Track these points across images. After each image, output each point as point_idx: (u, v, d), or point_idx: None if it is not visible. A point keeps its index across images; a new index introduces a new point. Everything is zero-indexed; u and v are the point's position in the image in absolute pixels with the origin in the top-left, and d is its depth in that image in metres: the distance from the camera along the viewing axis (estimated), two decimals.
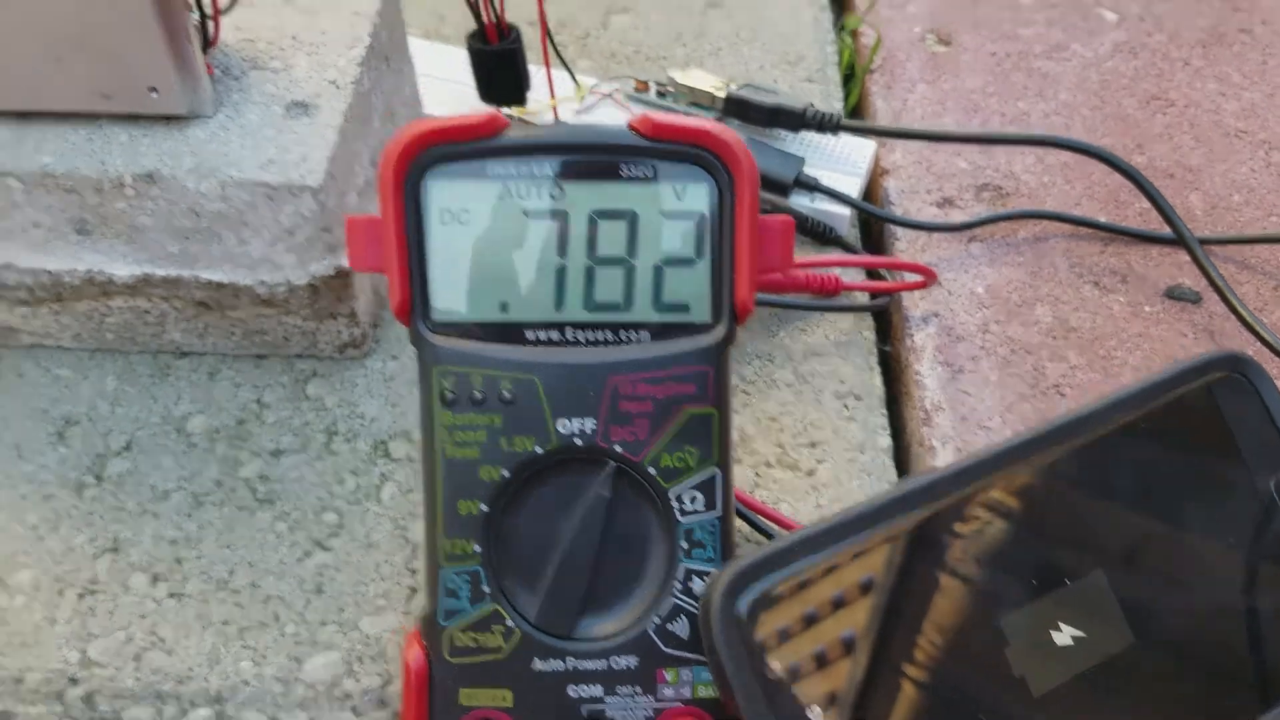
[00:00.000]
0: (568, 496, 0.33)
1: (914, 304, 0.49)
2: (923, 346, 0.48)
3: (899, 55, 0.61)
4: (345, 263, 0.43)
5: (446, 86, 0.55)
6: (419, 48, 0.55)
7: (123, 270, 0.43)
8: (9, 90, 0.41)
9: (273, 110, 0.42)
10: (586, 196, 0.33)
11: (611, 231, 0.33)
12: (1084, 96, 0.58)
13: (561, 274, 0.33)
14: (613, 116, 0.54)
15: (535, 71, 0.52)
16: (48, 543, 0.42)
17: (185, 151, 0.41)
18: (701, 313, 0.33)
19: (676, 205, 0.33)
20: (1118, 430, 0.33)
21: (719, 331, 0.33)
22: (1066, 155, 0.54)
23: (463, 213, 0.33)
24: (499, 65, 0.52)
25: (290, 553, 0.42)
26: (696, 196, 0.33)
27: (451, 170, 0.32)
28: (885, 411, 0.46)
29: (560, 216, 0.33)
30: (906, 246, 0.52)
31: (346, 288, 0.44)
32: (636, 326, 0.33)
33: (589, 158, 0.33)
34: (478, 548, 0.33)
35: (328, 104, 0.43)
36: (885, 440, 0.45)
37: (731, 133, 0.33)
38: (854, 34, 0.63)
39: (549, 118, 0.54)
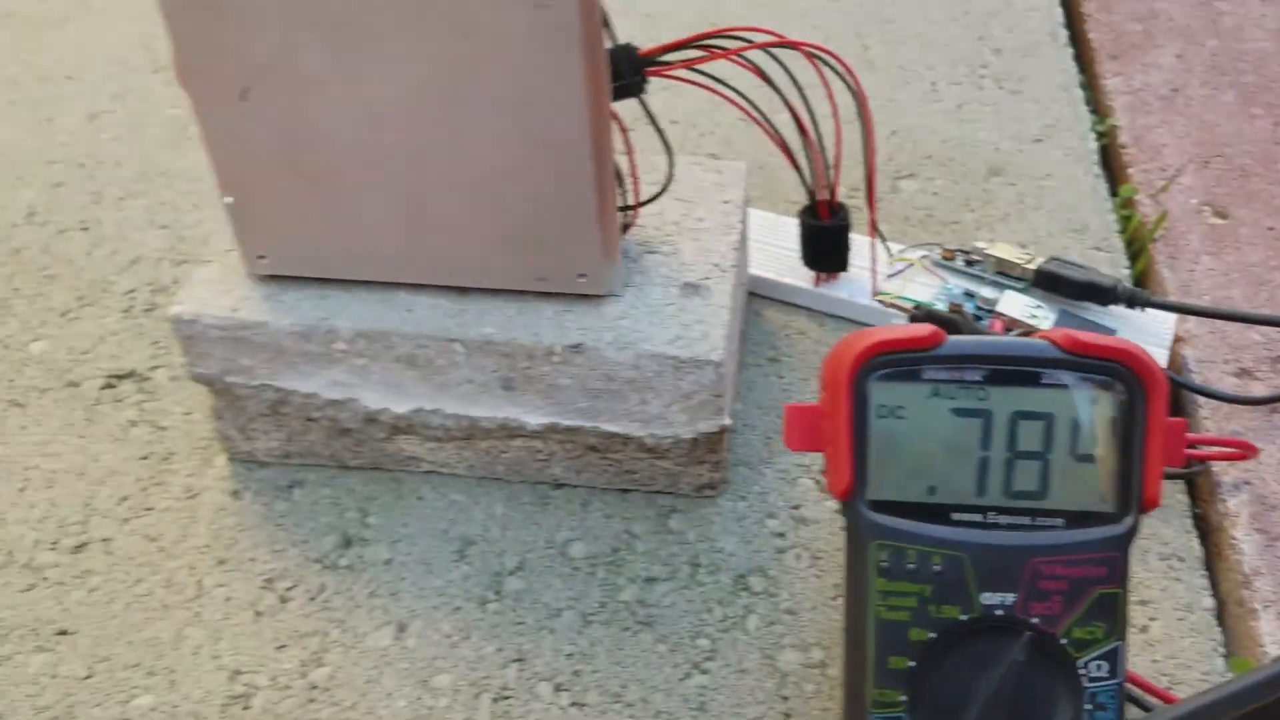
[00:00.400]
0: (986, 658, 0.37)
1: (1223, 470, 0.53)
2: (1237, 513, 0.51)
3: (1179, 227, 0.65)
4: (728, 421, 0.49)
5: (772, 251, 0.62)
6: (751, 215, 0.62)
7: (534, 420, 0.50)
8: (460, 270, 0.48)
9: (670, 290, 0.49)
10: (1009, 399, 0.38)
11: (1030, 430, 0.38)
12: None
13: (984, 464, 0.38)
14: (924, 281, 0.60)
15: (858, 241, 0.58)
16: (461, 650, 0.48)
17: (605, 327, 0.48)
18: (1112, 504, 0.38)
19: (1090, 411, 0.38)
20: None
21: (1128, 522, 0.38)
22: None
23: (899, 409, 0.38)
24: (828, 239, 0.58)
25: (673, 673, 0.47)
26: (1109, 404, 0.38)
27: (893, 373, 0.38)
28: (1205, 572, 0.50)
29: (985, 415, 0.38)
30: (1210, 414, 0.55)
31: (721, 441, 0.50)
32: (1052, 514, 0.38)
33: (1014, 368, 0.38)
34: (904, 698, 0.38)
35: (717, 286, 0.49)
36: (1208, 600, 0.49)
37: (1145, 352, 0.38)
38: (1129, 202, 0.68)
39: (866, 282, 0.60)
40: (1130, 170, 0.69)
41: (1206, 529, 0.52)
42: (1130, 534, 0.38)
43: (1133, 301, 0.56)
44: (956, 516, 0.38)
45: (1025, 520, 0.38)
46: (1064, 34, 0.80)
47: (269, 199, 0.47)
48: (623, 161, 0.48)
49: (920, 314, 0.52)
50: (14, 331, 0.62)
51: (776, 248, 0.62)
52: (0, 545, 0.52)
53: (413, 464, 0.54)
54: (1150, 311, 0.58)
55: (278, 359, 0.49)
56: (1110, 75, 0.76)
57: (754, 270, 0.61)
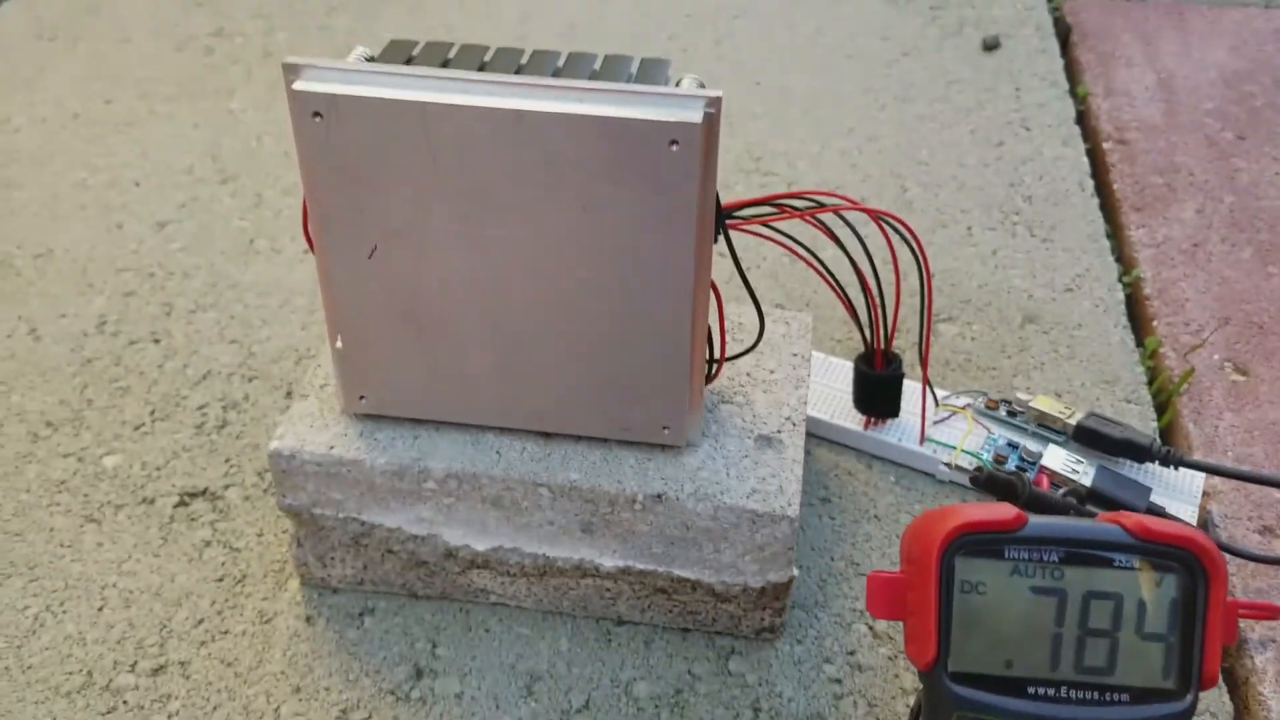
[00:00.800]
0: None
1: (1249, 626, 0.56)
2: (1264, 669, 0.54)
3: (1203, 382, 0.69)
4: (796, 572, 0.51)
5: (823, 390, 0.65)
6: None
7: (609, 562, 0.52)
8: (549, 417, 0.51)
9: (746, 442, 0.52)
10: (1083, 579, 0.41)
11: (1101, 609, 0.41)
12: None
13: (1058, 640, 0.41)
14: (971, 431, 0.63)
15: (908, 387, 0.61)
16: None
17: (685, 477, 0.50)
18: (1174, 681, 0.40)
19: (1156, 592, 0.40)
20: None
21: (1189, 699, 0.40)
22: None
23: (981, 585, 0.41)
24: (882, 388, 0.61)
25: None
26: (1173, 586, 0.40)
27: (977, 551, 0.41)
28: None
29: (1060, 594, 0.41)
30: (1236, 571, 0.58)
31: (787, 590, 0.52)
32: (1119, 689, 0.40)
33: (1089, 550, 0.41)
34: None
35: (789, 439, 0.52)
36: None
37: (1210, 540, 0.40)
38: (1155, 355, 0.71)
39: (914, 428, 0.63)
40: (1155, 323, 0.73)
41: (1234, 683, 0.55)
42: (1190, 710, 0.40)
43: (1167, 460, 0.60)
44: (1031, 690, 0.41)
45: (1094, 695, 0.40)
46: (1091, 184, 0.84)
47: (377, 346, 0.49)
48: (711, 317, 0.51)
49: (982, 478, 0.55)
50: (88, 444, 0.64)
51: (827, 387, 0.65)
52: (80, 665, 0.53)
53: (481, 596, 0.55)
54: (1183, 471, 0.61)
55: (368, 495, 0.52)
56: (1135, 227, 0.80)
57: (812, 411, 0.64)
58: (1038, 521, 0.41)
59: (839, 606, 0.56)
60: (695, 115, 0.43)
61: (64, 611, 0.55)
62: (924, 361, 0.61)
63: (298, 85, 0.43)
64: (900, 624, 0.54)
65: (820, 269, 0.56)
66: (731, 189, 0.82)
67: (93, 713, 0.52)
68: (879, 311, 0.59)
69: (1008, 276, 0.75)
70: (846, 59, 0.96)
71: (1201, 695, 0.53)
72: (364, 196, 0.45)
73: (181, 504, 0.61)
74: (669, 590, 0.53)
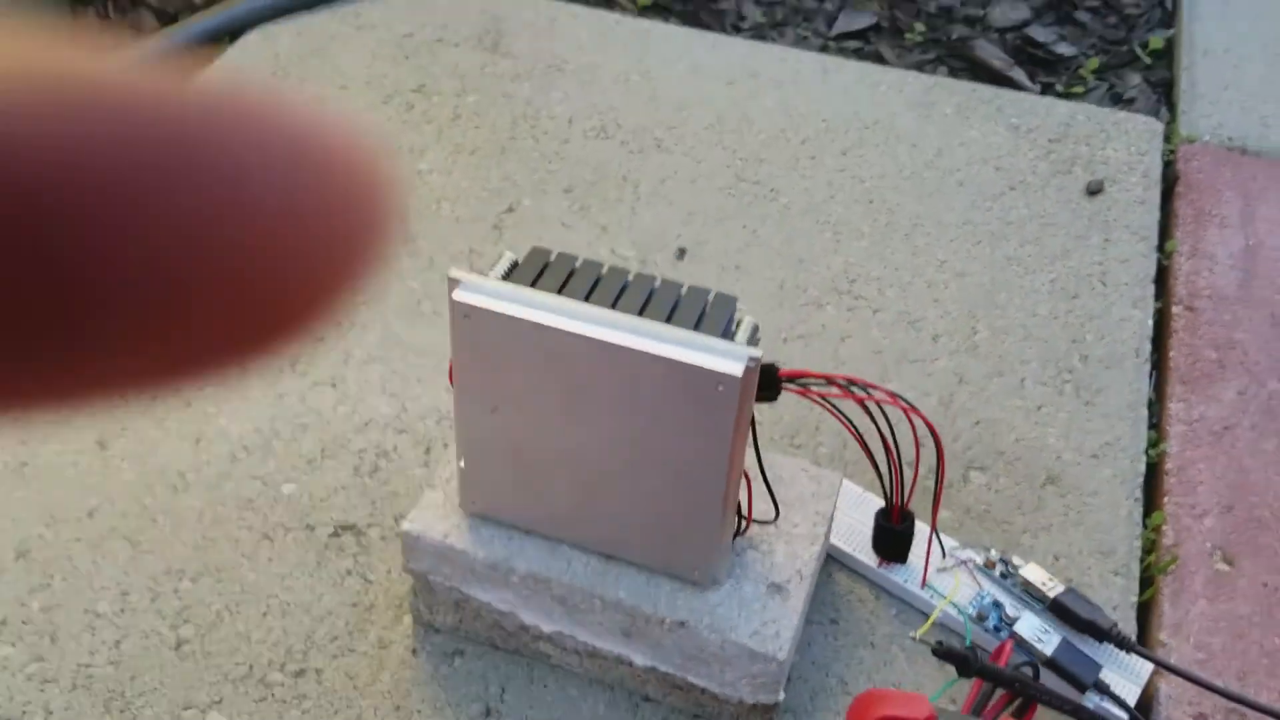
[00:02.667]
0: None
1: None
2: None
3: (1190, 566, 0.79)
4: (782, 698, 0.66)
5: (851, 523, 0.78)
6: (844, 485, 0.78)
7: (640, 661, 0.67)
8: (610, 544, 0.66)
9: (760, 588, 0.66)
10: None
11: None
12: None
13: None
14: (966, 582, 0.75)
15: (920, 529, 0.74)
16: None
17: (705, 610, 0.65)
18: None
19: None
20: None
21: None
22: None
23: None
24: (895, 539, 0.74)
25: None
26: None
27: None
28: None
29: None
30: None
31: (774, 710, 0.67)
32: None
33: None
34: None
35: (795, 590, 0.66)
36: None
37: None
38: (1157, 529, 0.82)
39: (920, 572, 0.75)
40: (1166, 499, 0.83)
41: None
42: None
43: (1121, 644, 0.71)
44: None
45: None
46: (1148, 348, 0.93)
47: (488, 470, 0.65)
48: (746, 477, 0.65)
49: (941, 650, 0.68)
50: (271, 471, 0.82)
51: (856, 521, 0.78)
52: (245, 659, 0.72)
53: (544, 657, 0.72)
54: (1133, 656, 0.72)
55: (468, 575, 0.68)
56: (1177, 399, 0.90)
57: (834, 539, 0.77)
58: (949, 716, 0.54)
59: (824, 717, 0.70)
60: (738, 369, 0.56)
61: (238, 611, 0.74)
62: (933, 524, 0.73)
63: (455, 295, 0.59)
64: None
65: (858, 435, 0.69)
66: (822, 307, 0.95)
67: (248, 699, 0.70)
68: (899, 477, 0.72)
69: (1044, 434, 0.86)
70: (957, 186, 1.06)
71: None
72: (491, 373, 0.61)
73: (334, 534, 0.79)
74: (684, 688, 0.68)
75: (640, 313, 0.59)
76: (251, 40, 1.20)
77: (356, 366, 0.89)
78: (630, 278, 0.62)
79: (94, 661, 0.72)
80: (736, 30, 1.30)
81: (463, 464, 0.66)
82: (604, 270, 0.62)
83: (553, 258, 0.63)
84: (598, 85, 1.16)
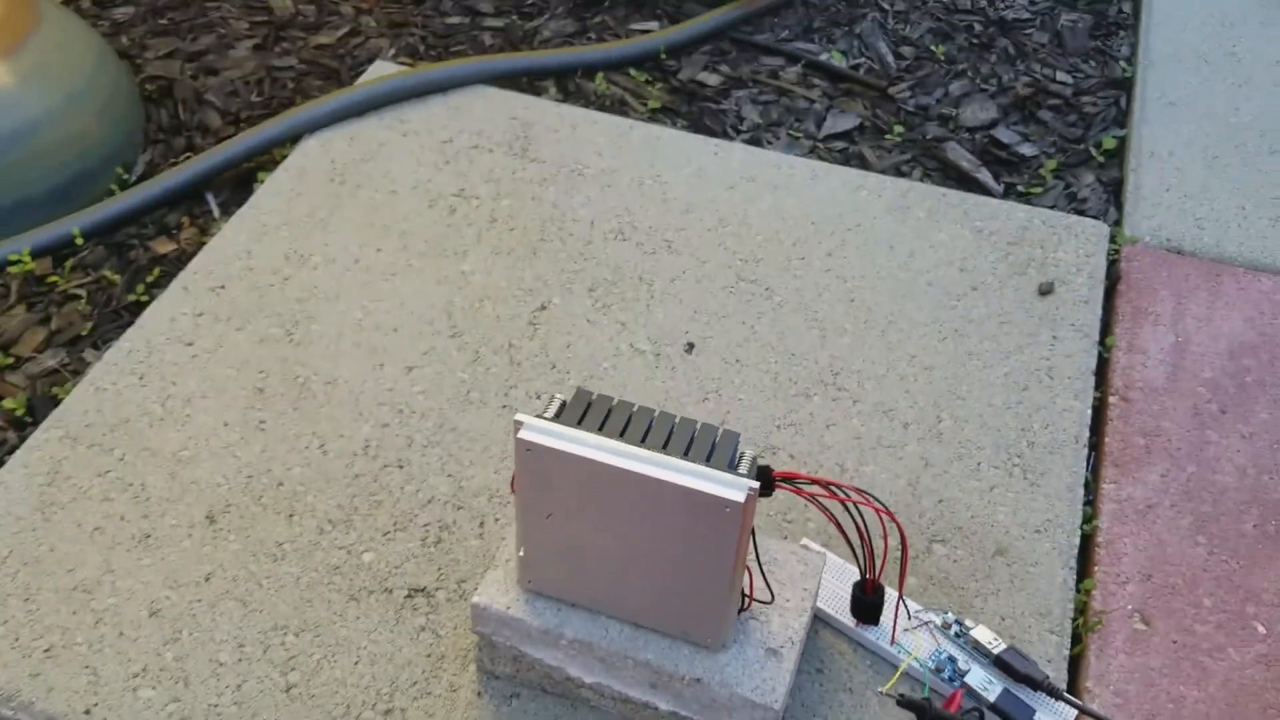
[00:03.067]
0: None
1: None
2: None
3: (1113, 625, 0.96)
4: None
5: (834, 589, 0.95)
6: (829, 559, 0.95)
7: (664, 706, 0.84)
8: (641, 616, 0.83)
9: (759, 651, 0.83)
10: None
11: None
12: (1225, 694, 0.92)
13: None
14: (926, 640, 0.92)
15: (889, 612, 0.91)
16: None
17: (716, 669, 0.82)
18: None
19: None
20: None
21: None
22: None
23: None
24: (868, 607, 0.91)
25: None
26: None
27: None
28: None
29: None
30: None
31: None
32: None
33: None
34: None
35: (787, 653, 0.83)
36: None
37: None
38: (1087, 594, 0.98)
39: (889, 632, 0.92)
40: (1096, 568, 1.00)
41: None
42: None
43: (1052, 693, 0.88)
44: None
45: None
46: (1086, 435, 1.10)
47: (543, 557, 0.82)
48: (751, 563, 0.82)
49: (905, 703, 0.85)
50: (354, 541, 0.99)
51: (838, 587, 0.95)
52: (342, 700, 0.89)
53: (586, 701, 0.88)
54: (1060, 704, 0.89)
55: (525, 638, 0.85)
56: (1109, 481, 1.07)
57: (820, 603, 0.94)
58: None
59: None
60: (740, 496, 0.73)
61: (335, 661, 0.91)
62: (899, 592, 0.90)
63: (520, 434, 0.76)
64: None
65: (837, 524, 0.86)
66: (810, 399, 1.12)
67: None
68: (871, 557, 0.89)
69: (995, 511, 1.03)
70: (927, 286, 1.23)
71: None
72: (546, 491, 0.78)
73: (409, 596, 0.95)
74: None
75: (664, 447, 0.76)
76: (311, 146, 1.37)
77: (419, 450, 1.06)
78: (655, 416, 0.79)
79: (221, 702, 0.88)
80: (736, 131, 1.47)
81: (522, 553, 0.83)
82: (635, 409, 0.79)
83: (594, 399, 0.80)
84: (615, 189, 1.33)
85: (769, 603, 0.85)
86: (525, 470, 0.78)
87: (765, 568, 0.86)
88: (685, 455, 0.76)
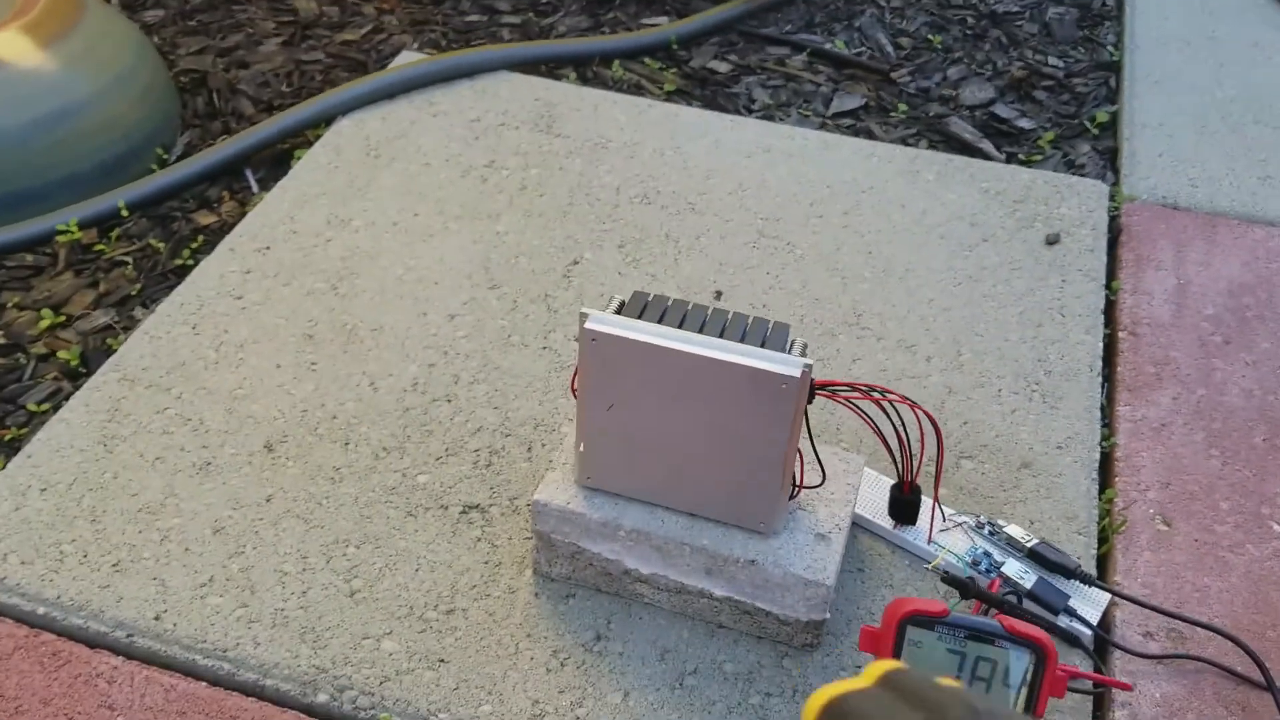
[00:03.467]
0: None
1: (1117, 696, 0.88)
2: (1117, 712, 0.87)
3: (1137, 527, 1.01)
4: (829, 615, 0.86)
5: (871, 498, 0.99)
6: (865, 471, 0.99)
7: (719, 592, 0.88)
8: (696, 504, 0.87)
9: (809, 536, 0.87)
10: (976, 649, 0.75)
11: (985, 666, 0.75)
12: (1247, 584, 0.96)
13: (960, 674, 0.75)
14: (962, 539, 0.96)
15: (926, 501, 0.96)
16: (656, 716, 0.86)
17: (769, 552, 0.86)
18: (1025, 710, 0.74)
19: (1018, 661, 0.74)
20: None
21: None
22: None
23: (918, 643, 0.75)
24: (907, 506, 0.96)
25: None
26: (1026, 660, 0.74)
27: (918, 623, 0.75)
28: None
29: (961, 654, 0.75)
30: (1119, 656, 0.91)
31: (822, 625, 0.87)
32: None
33: (981, 633, 0.75)
34: None
35: (835, 538, 0.87)
36: None
37: (1048, 637, 0.74)
38: (1110, 501, 1.03)
39: (926, 532, 0.97)
40: (1117, 479, 1.05)
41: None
42: None
43: (1085, 580, 0.92)
44: None
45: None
46: (1099, 365, 1.16)
47: (602, 452, 0.86)
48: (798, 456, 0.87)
49: (948, 579, 0.89)
50: (408, 466, 1.03)
51: (875, 496, 0.99)
52: (406, 602, 0.92)
53: (639, 597, 0.92)
54: (1093, 589, 0.93)
55: (584, 532, 0.89)
56: (1123, 404, 1.12)
57: (859, 509, 0.98)
58: (956, 615, 0.75)
59: (853, 639, 0.91)
60: (796, 371, 0.78)
61: (396, 569, 0.94)
62: (935, 496, 0.95)
63: (587, 325, 0.81)
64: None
65: (874, 427, 0.91)
66: (835, 337, 1.17)
67: (412, 631, 0.90)
68: (909, 460, 0.94)
69: (1018, 431, 1.08)
70: (940, 239, 1.29)
71: None
72: (609, 380, 0.82)
73: (464, 512, 0.99)
74: (752, 613, 0.88)
75: (721, 335, 0.81)
76: (345, 125, 1.43)
77: (465, 387, 1.10)
78: (709, 312, 0.84)
79: (287, 607, 0.91)
80: (749, 111, 1.54)
81: (582, 448, 0.87)
82: (689, 306, 0.84)
83: (650, 298, 0.85)
84: (639, 159, 1.39)
85: (819, 485, 0.89)
86: (589, 362, 0.82)
87: (819, 457, 0.91)
88: (741, 341, 0.81)
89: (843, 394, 0.89)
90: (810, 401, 0.87)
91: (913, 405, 0.89)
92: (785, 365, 0.79)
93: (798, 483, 0.88)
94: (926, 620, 0.76)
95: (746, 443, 0.82)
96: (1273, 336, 1.20)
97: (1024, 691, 0.75)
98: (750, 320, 0.84)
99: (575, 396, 0.86)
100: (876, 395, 0.88)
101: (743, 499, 0.85)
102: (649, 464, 0.86)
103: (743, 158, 1.40)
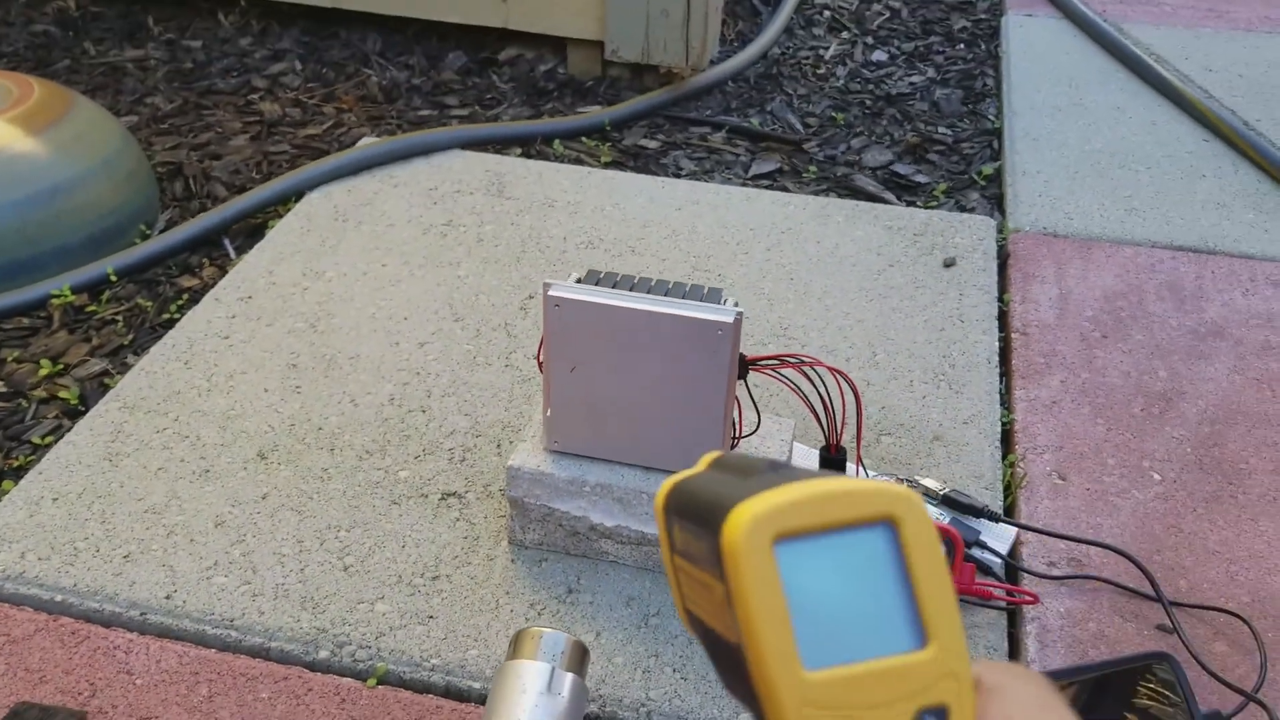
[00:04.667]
0: None
1: (1030, 610, 1.01)
2: (1029, 631, 0.99)
3: (1036, 482, 1.15)
4: None
5: (799, 464, 1.12)
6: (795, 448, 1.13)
7: None
8: (650, 458, 0.99)
9: None
10: None
11: None
12: (1134, 520, 1.10)
13: None
14: None
15: (851, 469, 1.09)
16: (625, 650, 0.97)
17: None
18: None
19: None
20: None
21: None
22: (1110, 554, 1.06)
23: None
24: (833, 464, 1.09)
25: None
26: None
27: None
28: (1008, 659, 0.97)
29: None
30: (1027, 580, 1.03)
31: None
32: None
33: None
34: None
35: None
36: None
37: (954, 529, 0.87)
38: (1012, 464, 1.17)
39: None
40: (1017, 446, 1.20)
41: (1015, 637, 1.00)
42: None
43: (992, 518, 1.06)
44: None
45: None
46: (996, 359, 1.32)
47: (567, 416, 0.99)
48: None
49: None
50: (390, 463, 1.14)
51: (802, 463, 1.12)
52: (395, 572, 1.02)
53: (604, 555, 1.03)
54: (1001, 525, 1.07)
55: (553, 492, 1.01)
56: (1019, 388, 1.28)
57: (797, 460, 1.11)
58: None
59: None
60: (730, 318, 0.92)
61: (384, 547, 1.05)
62: (858, 454, 1.09)
63: (551, 292, 0.94)
64: None
65: (803, 397, 1.05)
66: (765, 346, 1.32)
67: (403, 595, 1.00)
68: (834, 424, 1.07)
69: (929, 412, 1.23)
70: (851, 266, 1.46)
71: (994, 642, 0.99)
72: (571, 343, 0.96)
73: (443, 499, 1.10)
74: None
75: (666, 296, 0.96)
76: (314, 197, 1.58)
77: (438, 399, 1.23)
78: (653, 280, 0.99)
79: (287, 582, 1.01)
80: (677, 177, 1.72)
81: (549, 413, 1.00)
82: (636, 277, 0.99)
83: (603, 274, 0.99)
84: (582, 214, 1.56)
85: (754, 432, 1.02)
86: (553, 327, 0.96)
87: (753, 399, 1.04)
88: (682, 299, 0.95)
89: (771, 367, 1.03)
90: (744, 376, 1.01)
91: (832, 369, 1.04)
92: (720, 314, 0.93)
93: (737, 431, 1.01)
94: None
95: (691, 390, 0.96)
96: (1144, 330, 1.37)
97: None
98: (689, 285, 0.98)
99: (541, 370, 0.99)
100: (802, 363, 1.03)
101: (690, 447, 0.98)
102: (608, 423, 0.99)
103: (674, 210, 1.57)
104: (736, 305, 0.96)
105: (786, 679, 0.38)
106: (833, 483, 0.39)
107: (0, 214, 1.41)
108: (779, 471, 0.41)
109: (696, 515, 0.42)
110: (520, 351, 1.30)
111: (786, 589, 0.38)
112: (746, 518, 0.38)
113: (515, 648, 0.79)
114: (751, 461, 0.43)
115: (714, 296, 0.97)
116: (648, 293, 0.96)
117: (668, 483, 0.46)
